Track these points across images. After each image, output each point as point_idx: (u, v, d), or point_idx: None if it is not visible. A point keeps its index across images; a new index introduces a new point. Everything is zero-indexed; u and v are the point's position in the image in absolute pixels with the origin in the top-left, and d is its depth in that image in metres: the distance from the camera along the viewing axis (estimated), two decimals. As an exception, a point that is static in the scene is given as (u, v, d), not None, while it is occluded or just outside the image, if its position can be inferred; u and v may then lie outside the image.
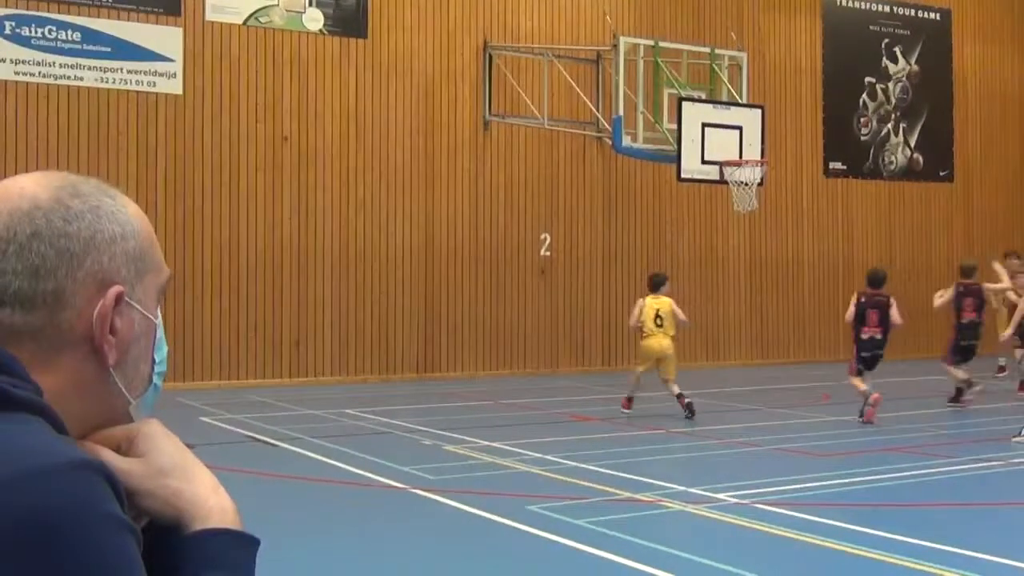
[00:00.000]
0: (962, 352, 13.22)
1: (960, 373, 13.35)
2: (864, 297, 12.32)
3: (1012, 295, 14.50)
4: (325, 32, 17.08)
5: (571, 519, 7.29)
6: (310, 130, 16.96)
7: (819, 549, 6.58)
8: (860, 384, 12.23)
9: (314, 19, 17.00)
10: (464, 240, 18.12)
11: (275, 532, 6.13)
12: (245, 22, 16.48)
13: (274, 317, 16.50)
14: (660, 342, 12.58)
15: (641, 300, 13.08)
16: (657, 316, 12.66)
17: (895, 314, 12.22)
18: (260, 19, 16.56)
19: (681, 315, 12.74)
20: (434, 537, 7.11)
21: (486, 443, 10.69)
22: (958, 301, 13.38)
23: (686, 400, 12.43)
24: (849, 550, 6.47)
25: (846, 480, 8.76)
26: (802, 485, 8.57)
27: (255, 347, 16.35)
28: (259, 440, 10.99)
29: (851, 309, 12.39)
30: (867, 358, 12.26)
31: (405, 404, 14.19)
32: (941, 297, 13.77)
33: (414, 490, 8.41)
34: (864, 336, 12.24)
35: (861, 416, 12.04)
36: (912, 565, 6.11)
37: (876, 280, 12.38)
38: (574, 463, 9.49)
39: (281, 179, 16.70)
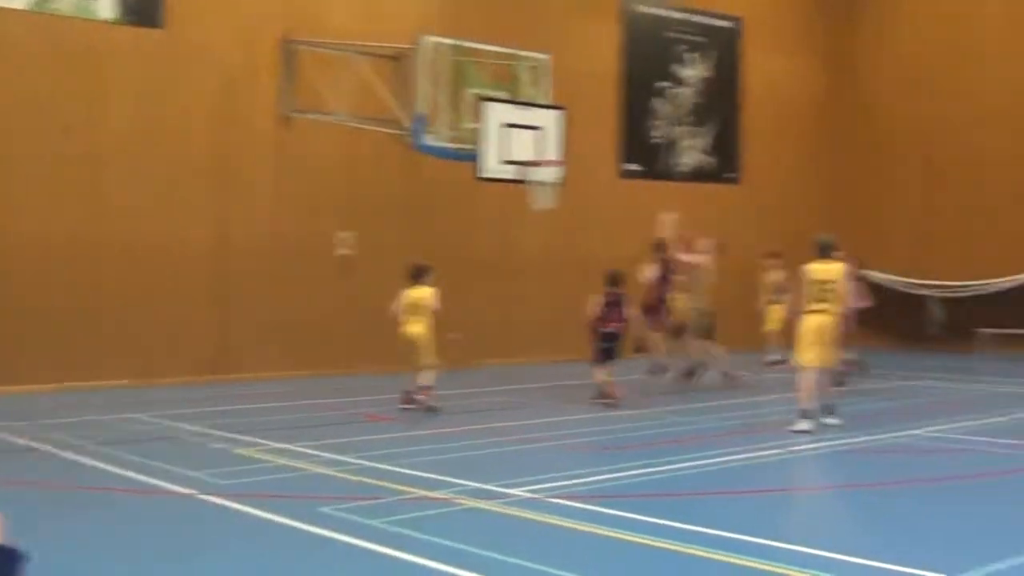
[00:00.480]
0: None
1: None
2: (606, 295, 13.58)
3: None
4: (118, 20, 16.38)
5: (365, 519, 7.23)
6: (99, 122, 16.25)
7: (607, 540, 6.74)
8: (600, 375, 13.63)
9: (106, 6, 16.29)
10: (262, 237, 17.73)
11: (47, 546, 5.83)
12: (30, 7, 15.63)
13: (58, 315, 15.71)
14: (410, 330, 13.23)
15: (402, 291, 13.46)
16: (411, 305, 13.20)
17: (629, 311, 13.91)
18: (47, 5, 15.73)
19: (436, 304, 13.30)
20: (221, 544, 6.92)
21: (279, 445, 10.49)
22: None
23: (425, 398, 12.84)
24: (634, 539, 6.65)
25: (631, 472, 9.01)
26: (594, 478, 8.77)
27: (32, 347, 15.51)
28: (35, 448, 10.45)
29: (593, 306, 13.69)
30: (607, 349, 13.54)
31: (196, 407, 13.76)
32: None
33: (202, 496, 8.16)
34: (605, 330, 13.55)
35: (600, 400, 13.51)
36: (693, 551, 6.33)
37: (615, 280, 13.79)
38: (369, 463, 9.42)
39: (66, 172, 15.94)
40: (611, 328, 13.58)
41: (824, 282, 11.56)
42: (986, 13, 22.96)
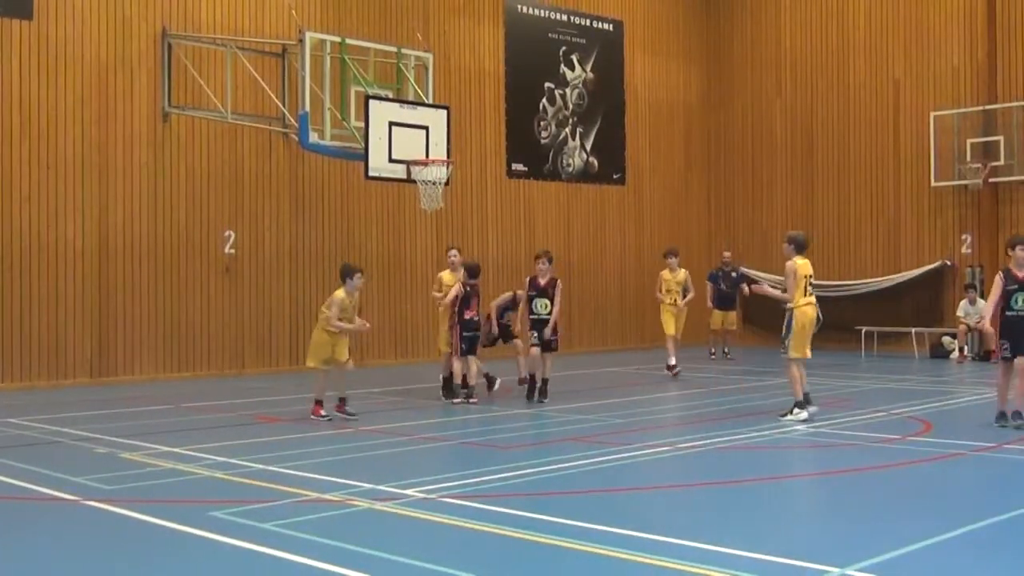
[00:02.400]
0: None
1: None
2: (467, 287, 13.99)
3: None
4: (-16, 11, 15.79)
5: (257, 523, 7.11)
6: (-33, 117, 15.65)
7: (503, 538, 6.76)
8: (457, 366, 13.86)
9: (-28, -3, 15.69)
10: (142, 236, 17.30)
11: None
12: None
13: (-75, 320, 15.08)
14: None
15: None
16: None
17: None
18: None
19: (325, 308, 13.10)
20: (108, 550, 6.72)
21: (166, 449, 10.25)
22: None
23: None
24: (531, 538, 6.68)
25: (528, 470, 9.05)
26: (487, 477, 8.78)
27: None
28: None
29: (452, 293, 14.02)
30: (468, 338, 13.84)
31: (77, 411, 13.35)
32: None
33: (87, 502, 7.92)
34: (465, 317, 13.84)
35: (456, 397, 13.79)
36: (589, 549, 6.39)
37: (474, 272, 14.17)
38: (260, 465, 9.27)
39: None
40: (470, 316, 13.89)
41: (809, 276, 12.04)
42: (856, 12, 23.72)
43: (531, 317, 14.07)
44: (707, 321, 21.51)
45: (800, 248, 12.11)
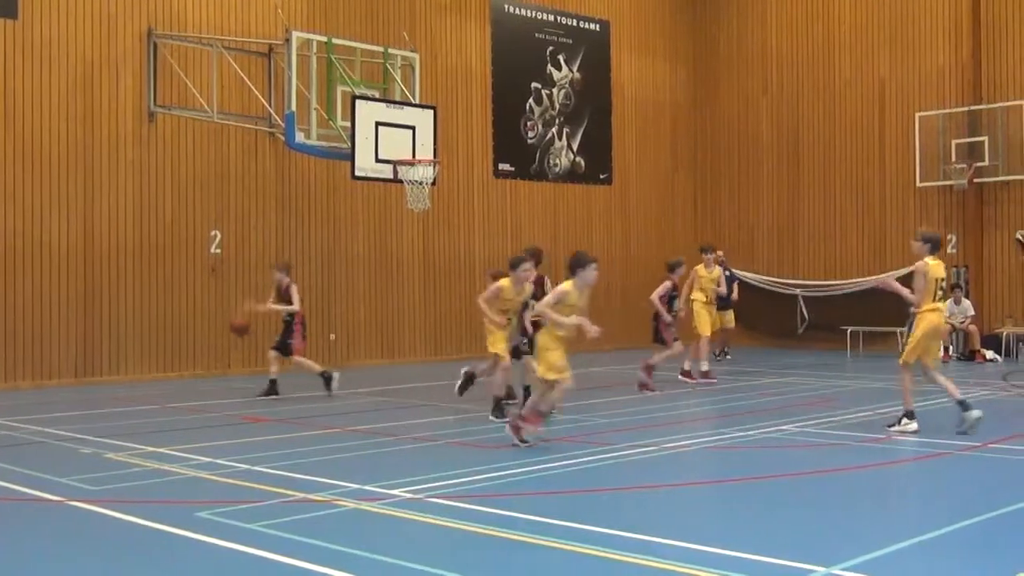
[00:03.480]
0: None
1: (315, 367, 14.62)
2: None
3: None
4: (-32, 10, 15.72)
5: (243, 523, 7.08)
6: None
7: (490, 539, 6.75)
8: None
9: (-45, -5, 15.61)
10: (127, 235, 17.24)
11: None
12: None
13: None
14: None
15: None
16: None
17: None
18: None
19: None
20: (93, 551, 6.69)
21: (152, 449, 10.22)
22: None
23: None
24: (518, 538, 6.68)
25: (516, 470, 9.05)
26: (474, 477, 8.77)
27: None
28: None
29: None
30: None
31: (62, 411, 13.29)
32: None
33: (72, 503, 7.88)
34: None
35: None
36: (577, 549, 6.40)
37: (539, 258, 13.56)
38: (247, 466, 9.25)
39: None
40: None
41: (941, 280, 11.11)
42: (841, 12, 23.81)
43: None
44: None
45: (935, 248, 11.15)
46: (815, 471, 9.19)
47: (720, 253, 21.42)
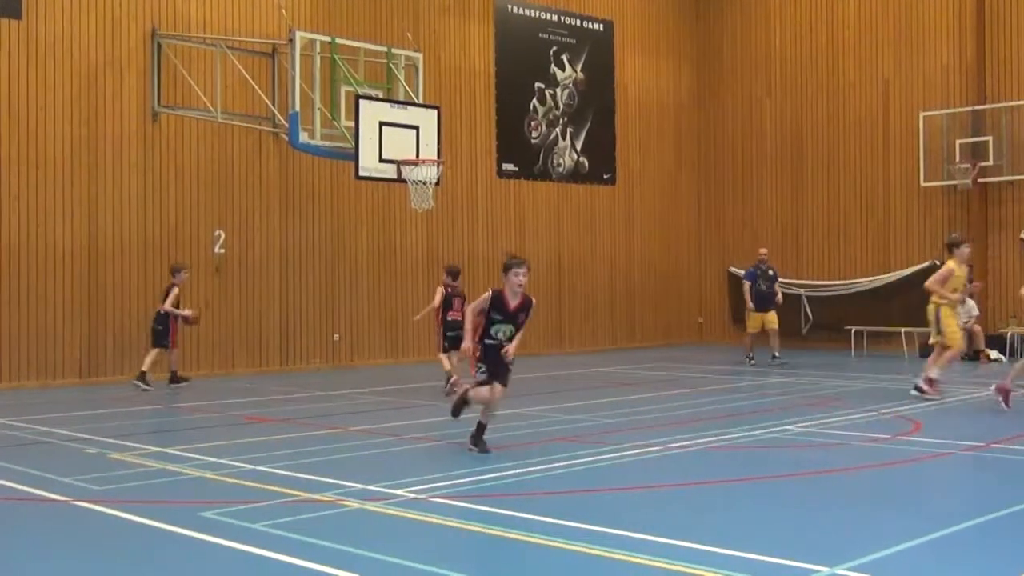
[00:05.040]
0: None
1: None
2: (449, 288, 14.66)
3: None
4: (-28, 10, 15.74)
5: (248, 523, 7.09)
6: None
7: (493, 538, 6.76)
8: (446, 363, 14.51)
9: (-41, -4, 15.64)
10: (131, 235, 17.27)
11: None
12: None
13: (-87, 320, 15.02)
14: None
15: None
16: None
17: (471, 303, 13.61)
18: None
19: None
20: (97, 551, 6.70)
21: (156, 449, 10.23)
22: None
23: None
24: (521, 538, 6.69)
25: (519, 470, 9.05)
26: (477, 477, 8.78)
27: None
28: None
29: (438, 298, 14.70)
30: (452, 337, 14.18)
31: (67, 411, 13.32)
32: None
33: (77, 502, 7.89)
34: (449, 319, 14.48)
35: (447, 393, 13.88)
36: (580, 549, 6.40)
37: (455, 273, 14.81)
38: (250, 466, 9.26)
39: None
40: (452, 317, 14.39)
41: (961, 278, 12.65)
42: (845, 12, 23.79)
43: (486, 342, 9.91)
44: (741, 323, 21.14)
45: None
46: (819, 471, 9.19)
47: (765, 251, 20.78)
